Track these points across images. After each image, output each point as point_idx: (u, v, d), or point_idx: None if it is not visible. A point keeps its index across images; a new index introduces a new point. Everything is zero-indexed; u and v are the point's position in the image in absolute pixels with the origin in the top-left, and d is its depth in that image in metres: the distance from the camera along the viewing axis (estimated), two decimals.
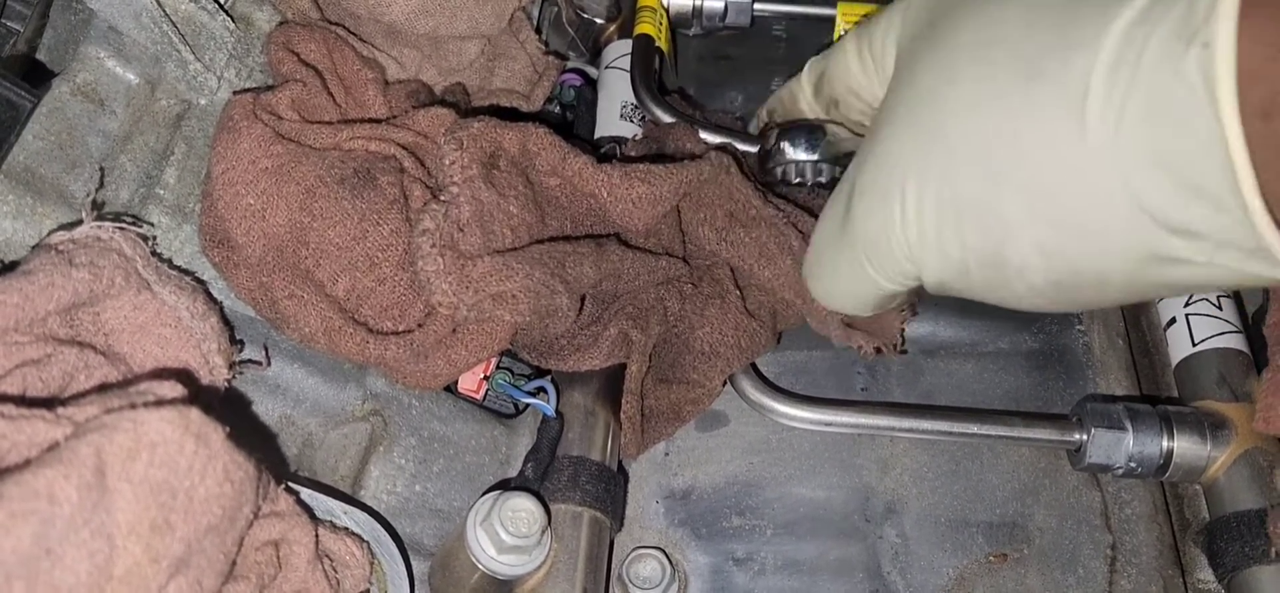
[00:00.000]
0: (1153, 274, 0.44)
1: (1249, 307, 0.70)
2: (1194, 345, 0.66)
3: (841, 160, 0.67)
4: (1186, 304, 0.67)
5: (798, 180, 0.68)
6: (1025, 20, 0.46)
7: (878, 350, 0.64)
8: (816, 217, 0.68)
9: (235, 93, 0.61)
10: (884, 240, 0.51)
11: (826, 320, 0.63)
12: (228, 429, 0.42)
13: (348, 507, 0.54)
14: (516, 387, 0.63)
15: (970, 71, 0.47)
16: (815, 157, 0.67)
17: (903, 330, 0.66)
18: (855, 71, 0.61)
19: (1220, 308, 0.67)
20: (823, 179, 0.68)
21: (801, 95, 0.68)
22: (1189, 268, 0.42)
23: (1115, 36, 0.41)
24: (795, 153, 0.67)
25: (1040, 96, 0.43)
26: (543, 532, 0.53)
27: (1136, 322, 0.73)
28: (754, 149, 0.71)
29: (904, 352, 0.68)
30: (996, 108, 0.45)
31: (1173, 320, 0.68)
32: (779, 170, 0.68)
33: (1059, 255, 0.45)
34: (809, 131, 0.67)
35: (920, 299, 0.65)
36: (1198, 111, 0.38)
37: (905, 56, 0.55)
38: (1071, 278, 0.46)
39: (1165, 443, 0.61)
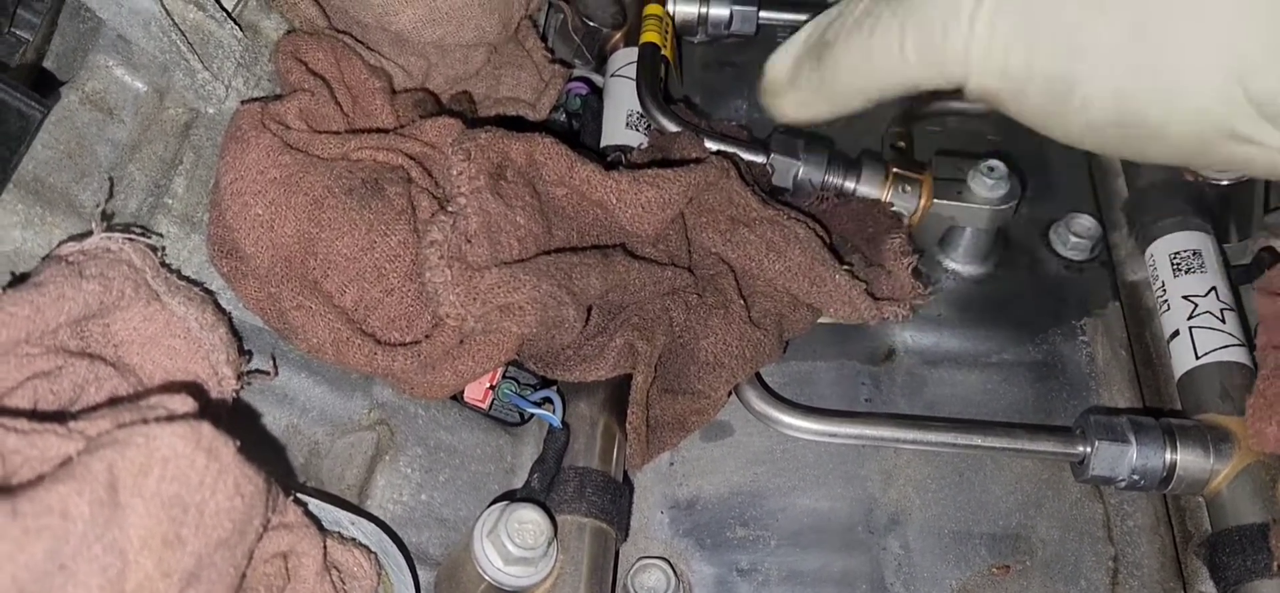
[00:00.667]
0: (1223, 148, 0.41)
1: (1252, 321, 0.70)
2: (1197, 358, 0.66)
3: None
4: (1190, 317, 0.67)
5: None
6: None
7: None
8: (818, 219, 0.69)
9: (243, 102, 0.61)
10: (939, 28, 0.45)
11: (852, 301, 0.64)
12: (238, 443, 0.42)
13: (355, 517, 0.54)
14: (522, 397, 0.63)
15: None
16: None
17: (917, 275, 0.68)
18: None
19: (1223, 321, 0.67)
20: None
21: None
22: (1266, 152, 0.40)
23: None
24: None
25: None
26: (549, 543, 0.54)
27: (1140, 334, 0.74)
28: (758, 158, 0.72)
29: (931, 294, 0.70)
30: None
31: (1176, 333, 0.68)
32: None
33: (1132, 103, 0.42)
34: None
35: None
36: None
37: None
38: (1136, 125, 0.43)
39: (1168, 456, 0.61)
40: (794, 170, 0.72)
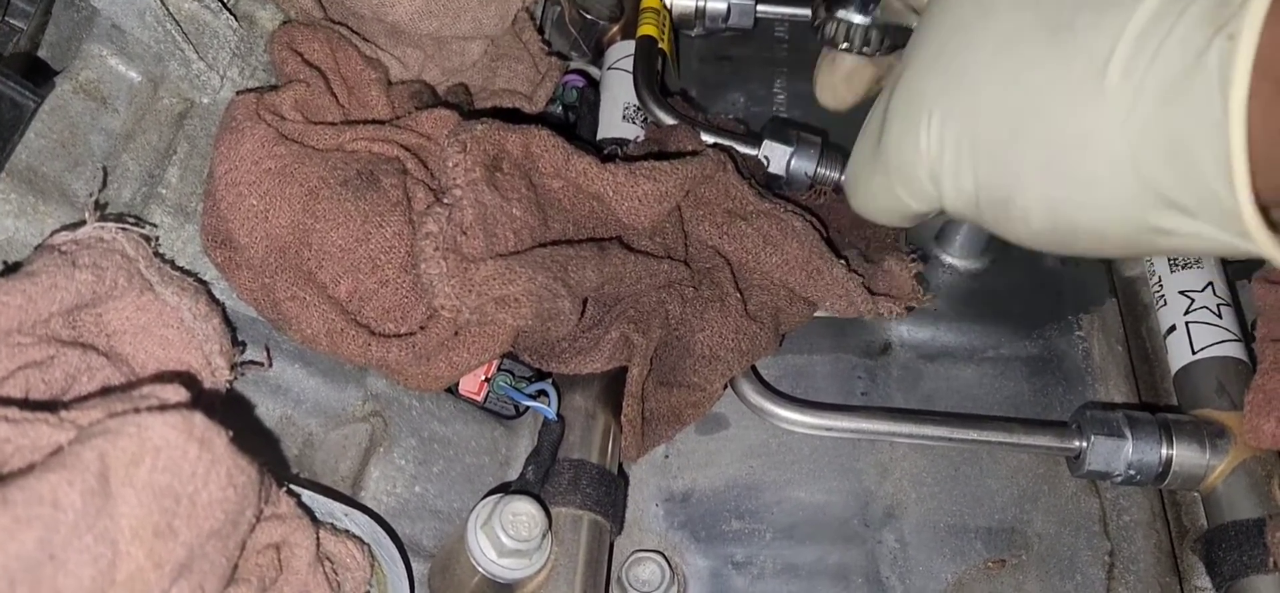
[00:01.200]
0: (1148, 240, 0.46)
1: (1249, 315, 0.70)
2: (1194, 354, 0.66)
3: (889, 34, 0.69)
4: (1187, 312, 0.67)
5: (845, 44, 0.70)
6: None
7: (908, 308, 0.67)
8: (815, 213, 0.69)
9: (238, 92, 0.61)
10: (910, 166, 0.53)
11: (849, 295, 0.64)
12: (231, 434, 0.42)
13: (348, 509, 0.54)
14: (517, 389, 0.63)
15: (1003, 10, 0.48)
16: (867, 21, 0.69)
17: (918, 279, 0.68)
18: None
19: (1220, 316, 0.67)
20: (869, 48, 0.70)
21: None
22: (1182, 239, 0.44)
23: (1148, 8, 0.41)
24: (848, 14, 0.69)
25: (1066, 52, 0.44)
26: (543, 536, 0.54)
27: (1136, 329, 0.74)
28: (754, 152, 0.72)
29: (930, 297, 0.69)
30: (1022, 54, 0.46)
31: (1173, 328, 0.68)
32: (830, 29, 0.71)
33: (1062, 210, 0.47)
34: None
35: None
36: (1209, 100, 0.39)
37: None
38: (1070, 230, 0.48)
39: (1164, 451, 0.61)
40: (786, 159, 0.71)
